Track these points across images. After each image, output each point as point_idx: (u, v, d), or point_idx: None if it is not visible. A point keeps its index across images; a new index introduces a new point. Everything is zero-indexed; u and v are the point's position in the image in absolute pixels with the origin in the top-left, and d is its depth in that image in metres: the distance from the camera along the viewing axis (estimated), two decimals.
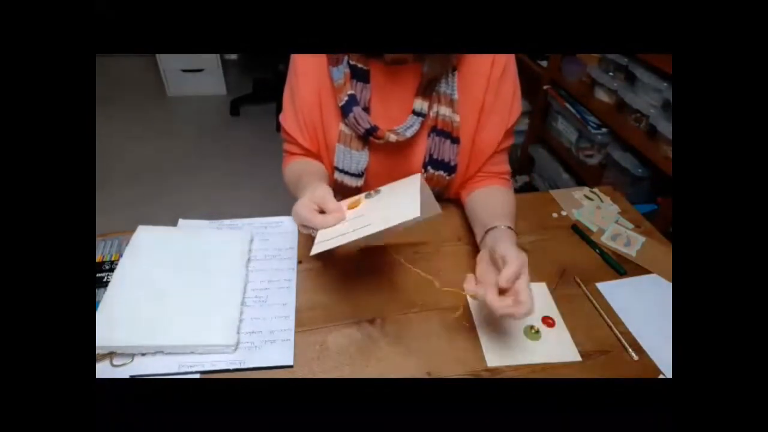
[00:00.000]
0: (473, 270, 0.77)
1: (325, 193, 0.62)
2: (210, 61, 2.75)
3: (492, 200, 0.79)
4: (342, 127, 0.77)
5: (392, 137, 0.74)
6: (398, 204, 0.60)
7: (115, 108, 2.61)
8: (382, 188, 0.66)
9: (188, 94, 2.80)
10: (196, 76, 2.77)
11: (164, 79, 2.74)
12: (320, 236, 0.60)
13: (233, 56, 3.27)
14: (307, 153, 0.84)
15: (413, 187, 0.62)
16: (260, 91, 2.77)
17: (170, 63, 2.69)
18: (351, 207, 0.64)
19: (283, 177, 0.86)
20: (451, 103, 0.75)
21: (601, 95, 1.64)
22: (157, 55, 2.67)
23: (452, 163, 0.78)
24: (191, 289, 0.66)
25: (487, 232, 0.68)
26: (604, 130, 1.62)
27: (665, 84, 1.36)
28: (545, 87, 1.85)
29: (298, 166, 0.82)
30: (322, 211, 0.62)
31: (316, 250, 0.58)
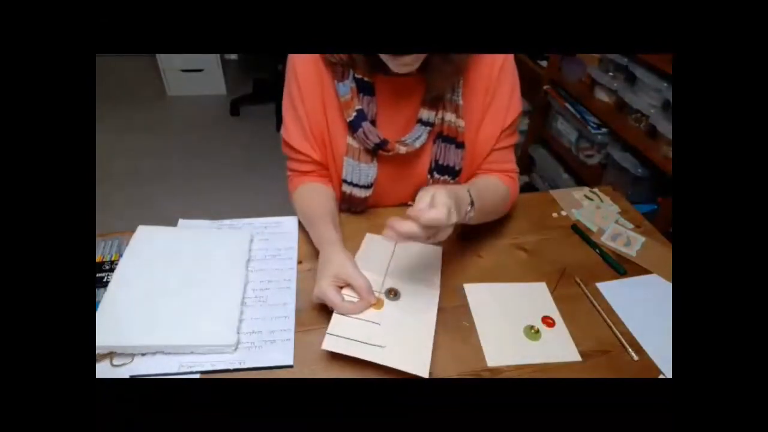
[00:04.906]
0: (474, 270, 0.77)
1: (353, 273, 0.63)
2: (210, 61, 2.75)
3: (475, 180, 0.79)
4: (350, 140, 0.76)
5: (402, 149, 0.74)
6: (412, 332, 0.62)
7: (115, 108, 2.61)
8: (402, 289, 0.67)
9: (188, 94, 2.80)
10: (196, 76, 2.77)
11: (164, 79, 2.74)
12: (335, 319, 0.62)
13: (233, 56, 3.27)
14: (317, 167, 0.82)
15: (431, 306, 0.66)
16: (260, 91, 2.77)
17: (170, 63, 2.69)
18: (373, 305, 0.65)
19: (293, 202, 0.83)
20: (456, 109, 0.75)
21: (601, 95, 1.64)
22: (157, 55, 2.67)
23: (457, 168, 0.78)
24: (191, 289, 0.66)
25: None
26: (604, 130, 1.62)
27: (665, 84, 1.36)
28: (545, 87, 1.84)
29: (308, 201, 0.79)
30: (341, 287, 0.64)
31: (328, 345, 0.58)
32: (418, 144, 0.75)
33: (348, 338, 0.60)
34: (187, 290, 0.66)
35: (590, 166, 1.72)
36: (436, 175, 0.79)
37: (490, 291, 0.73)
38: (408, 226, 0.55)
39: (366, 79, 0.72)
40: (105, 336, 0.58)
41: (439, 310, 0.66)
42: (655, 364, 0.63)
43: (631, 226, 0.88)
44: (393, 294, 0.67)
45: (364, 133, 0.73)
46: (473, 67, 0.75)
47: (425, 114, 0.75)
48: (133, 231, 0.74)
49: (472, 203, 0.65)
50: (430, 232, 0.56)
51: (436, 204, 0.56)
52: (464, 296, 0.71)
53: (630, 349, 0.65)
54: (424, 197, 0.57)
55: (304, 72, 0.75)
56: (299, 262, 0.76)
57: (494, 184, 0.80)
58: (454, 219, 0.57)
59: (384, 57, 0.64)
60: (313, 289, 0.65)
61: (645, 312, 0.71)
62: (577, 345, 0.65)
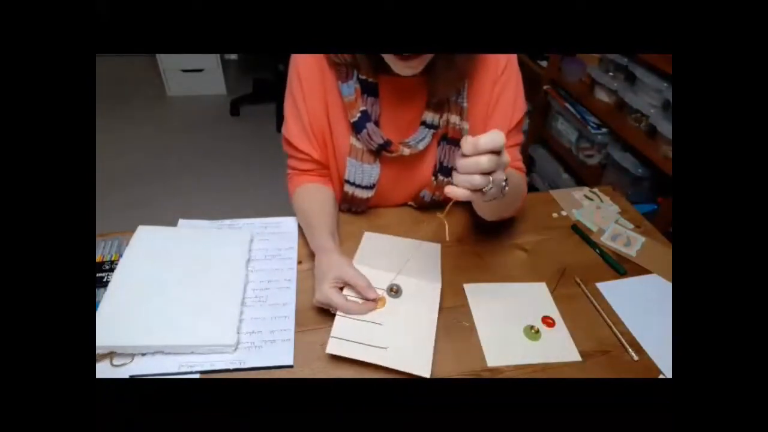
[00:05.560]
0: (474, 270, 0.77)
1: (354, 273, 0.64)
2: (210, 61, 2.75)
3: None
4: (353, 141, 0.76)
5: (406, 151, 0.74)
6: (414, 332, 0.63)
7: (116, 108, 2.61)
8: (403, 285, 0.68)
9: (188, 94, 2.80)
10: (196, 76, 2.77)
11: (164, 79, 2.74)
12: (338, 322, 0.62)
13: (233, 56, 3.27)
14: (317, 166, 0.82)
15: (432, 302, 0.66)
16: (260, 91, 2.77)
17: (170, 63, 2.69)
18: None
19: (292, 201, 0.83)
20: (460, 111, 0.75)
21: (601, 95, 1.64)
22: (157, 55, 2.67)
23: None
24: (191, 289, 0.66)
25: None
26: (604, 130, 1.62)
27: (665, 84, 1.36)
28: (545, 87, 1.84)
29: (308, 204, 0.79)
30: (341, 288, 0.65)
31: (332, 349, 0.59)
32: (421, 146, 0.75)
33: (351, 341, 0.60)
34: (187, 290, 0.66)
35: (590, 166, 1.72)
36: (441, 177, 0.78)
37: (490, 291, 0.73)
38: (469, 162, 0.50)
39: (370, 79, 0.72)
40: (105, 336, 0.58)
41: (439, 310, 0.66)
42: (655, 364, 0.63)
43: (631, 226, 0.88)
44: (394, 291, 0.67)
45: (368, 134, 0.73)
46: (477, 71, 0.74)
47: (429, 117, 0.75)
48: (133, 231, 0.74)
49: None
50: (491, 164, 0.50)
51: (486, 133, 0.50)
52: (464, 296, 0.71)
53: (630, 349, 0.65)
54: (467, 140, 0.51)
55: (307, 72, 0.75)
56: (299, 262, 0.76)
57: (512, 172, 0.76)
58: (507, 158, 0.52)
59: (388, 59, 0.64)
60: (313, 289, 0.65)
61: (645, 312, 0.71)
62: (577, 345, 0.65)
